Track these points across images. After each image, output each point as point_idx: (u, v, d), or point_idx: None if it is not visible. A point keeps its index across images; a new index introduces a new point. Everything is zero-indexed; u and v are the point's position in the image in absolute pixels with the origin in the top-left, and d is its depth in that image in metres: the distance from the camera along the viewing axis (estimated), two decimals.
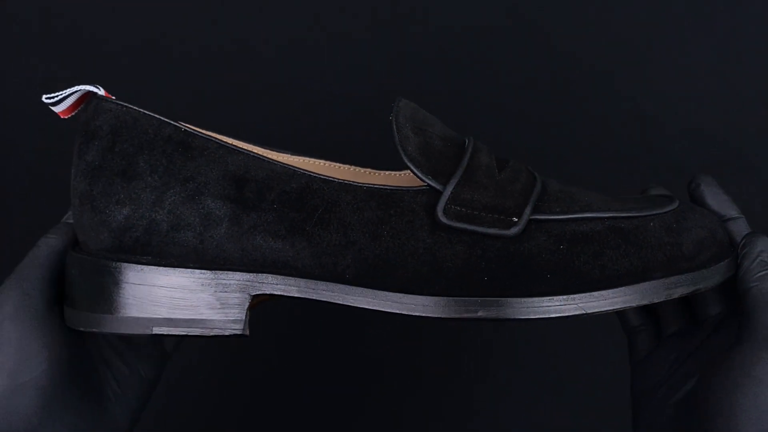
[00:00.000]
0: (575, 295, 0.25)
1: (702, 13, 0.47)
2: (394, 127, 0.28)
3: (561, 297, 0.25)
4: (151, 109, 0.28)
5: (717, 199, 0.28)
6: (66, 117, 0.29)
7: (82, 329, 0.27)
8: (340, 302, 0.27)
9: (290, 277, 0.27)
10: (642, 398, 0.29)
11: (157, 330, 0.26)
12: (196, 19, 0.48)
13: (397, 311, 0.26)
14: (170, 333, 0.26)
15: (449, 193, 0.27)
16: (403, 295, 0.26)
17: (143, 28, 0.48)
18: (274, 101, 0.48)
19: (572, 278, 0.26)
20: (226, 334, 0.27)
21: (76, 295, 0.27)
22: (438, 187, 0.27)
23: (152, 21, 0.48)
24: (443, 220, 0.26)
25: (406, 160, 0.27)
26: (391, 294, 0.26)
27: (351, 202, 0.27)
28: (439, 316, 0.26)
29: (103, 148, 0.27)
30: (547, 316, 0.26)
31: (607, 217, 0.27)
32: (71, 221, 0.30)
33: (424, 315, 0.26)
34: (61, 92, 0.29)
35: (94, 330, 0.27)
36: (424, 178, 0.27)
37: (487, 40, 0.48)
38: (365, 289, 0.26)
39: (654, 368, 0.29)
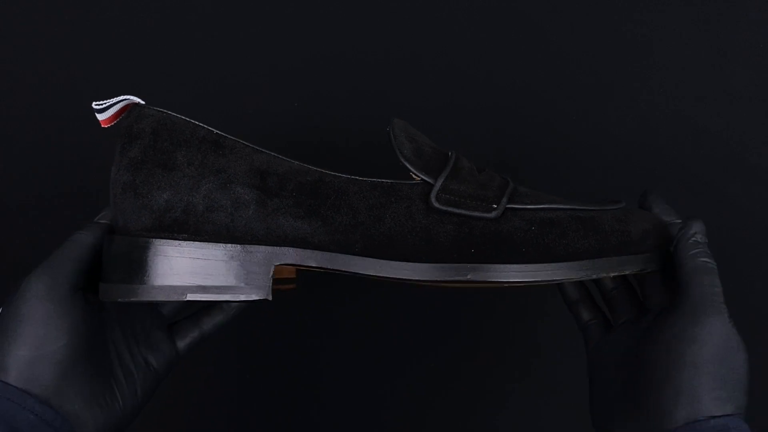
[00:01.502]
0: (545, 264, 0.31)
1: (702, 12, 0.47)
2: (392, 136, 0.33)
3: (534, 265, 0.31)
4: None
5: (661, 207, 0.34)
6: (106, 126, 0.33)
7: (119, 299, 0.31)
8: (351, 270, 0.31)
9: (308, 250, 0.31)
10: (597, 377, 0.33)
11: (190, 296, 0.30)
12: (199, 27, 0.48)
13: (400, 276, 0.31)
14: (202, 299, 0.31)
15: (440, 184, 0.32)
16: (405, 263, 0.31)
17: (145, 28, 0.48)
18: (272, 103, 0.48)
19: (542, 252, 0.31)
20: (252, 298, 0.31)
21: (113, 270, 0.31)
22: (430, 180, 0.32)
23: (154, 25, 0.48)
24: (436, 204, 0.31)
25: (402, 160, 0.33)
26: (394, 263, 0.31)
27: (357, 191, 0.32)
28: (435, 279, 0.31)
29: (144, 146, 0.32)
30: (523, 279, 0.31)
31: (569, 208, 0.33)
32: (103, 221, 0.33)
33: (422, 279, 0.31)
34: (108, 101, 0.32)
35: (130, 299, 0.30)
36: (418, 173, 0.32)
37: (486, 40, 0.48)
38: (372, 259, 0.31)
39: (607, 352, 0.33)
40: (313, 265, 0.32)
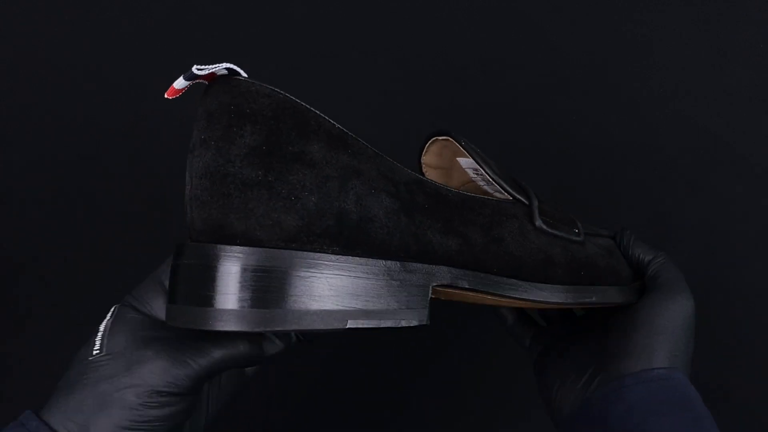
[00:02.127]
0: (622, 288, 0.33)
1: (702, 12, 0.48)
2: (471, 151, 0.32)
3: (624, 288, 0.33)
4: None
5: (638, 248, 0.37)
6: (171, 97, 0.28)
7: (247, 329, 0.24)
8: (499, 292, 0.29)
9: (459, 269, 0.28)
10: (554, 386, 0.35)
11: (351, 323, 0.25)
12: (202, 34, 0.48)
13: (540, 299, 0.30)
14: (363, 326, 0.25)
15: (536, 206, 0.31)
16: (545, 284, 0.30)
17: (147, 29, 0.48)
18: None
19: (615, 275, 0.33)
20: (413, 324, 0.27)
21: (247, 292, 0.24)
22: (525, 201, 0.31)
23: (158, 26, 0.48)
24: (543, 226, 0.31)
25: (492, 176, 0.31)
26: (539, 285, 0.30)
27: (472, 207, 0.30)
28: (567, 301, 0.31)
29: (266, 132, 0.25)
30: (621, 300, 0.33)
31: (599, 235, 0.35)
32: None
33: (557, 301, 0.31)
34: (210, 66, 0.26)
35: (276, 329, 0.24)
36: (514, 193, 0.31)
37: (486, 40, 0.48)
38: (518, 281, 0.30)
39: (550, 337, 0.37)
40: (465, 287, 0.28)
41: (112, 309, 0.29)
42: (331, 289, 0.25)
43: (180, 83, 0.26)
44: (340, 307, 0.25)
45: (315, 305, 0.24)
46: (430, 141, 0.33)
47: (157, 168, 0.48)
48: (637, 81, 0.48)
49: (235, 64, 0.27)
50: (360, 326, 0.25)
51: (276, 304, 0.24)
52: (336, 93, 0.48)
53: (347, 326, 0.25)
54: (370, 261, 0.26)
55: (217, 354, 0.28)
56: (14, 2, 0.48)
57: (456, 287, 0.28)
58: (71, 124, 0.48)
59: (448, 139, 0.33)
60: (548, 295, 0.30)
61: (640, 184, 0.47)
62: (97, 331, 0.28)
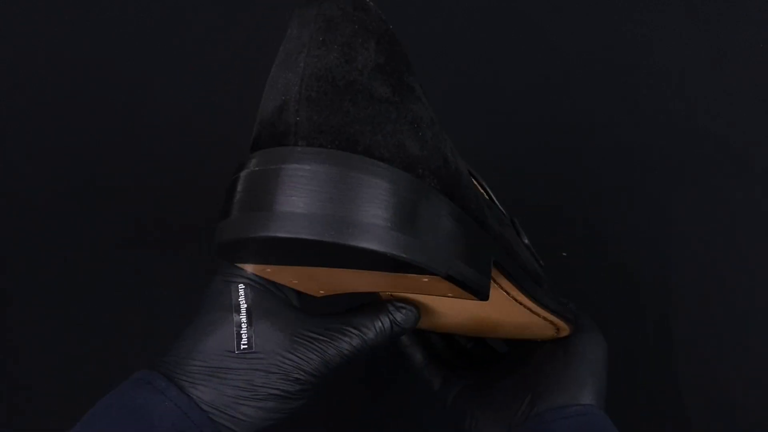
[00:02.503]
0: None
1: (702, 12, 0.47)
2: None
3: None
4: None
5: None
6: None
7: (402, 256, 0.22)
8: (533, 294, 0.30)
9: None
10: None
11: (452, 269, 0.24)
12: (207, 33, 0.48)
13: (548, 305, 0.31)
14: (457, 276, 0.24)
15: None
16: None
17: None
18: None
19: None
20: (477, 288, 0.25)
21: (390, 212, 0.22)
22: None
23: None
24: None
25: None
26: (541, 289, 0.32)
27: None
28: (555, 309, 0.32)
29: (388, 54, 0.24)
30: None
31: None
32: None
33: (552, 307, 0.32)
34: None
35: (415, 258, 0.22)
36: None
37: (486, 40, 0.48)
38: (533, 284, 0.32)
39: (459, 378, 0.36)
40: (510, 273, 0.28)
41: (240, 289, 0.28)
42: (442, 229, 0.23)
43: None
44: (444, 251, 0.23)
45: (432, 242, 0.23)
46: None
47: (158, 168, 0.48)
48: (637, 81, 0.48)
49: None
50: (455, 275, 0.23)
51: (410, 233, 0.22)
52: None
53: (449, 272, 0.23)
54: (463, 213, 0.25)
55: (343, 345, 0.28)
56: (14, 2, 0.48)
57: (504, 270, 0.27)
58: (71, 124, 0.48)
59: None
60: (549, 301, 0.31)
61: (640, 184, 0.47)
62: (240, 318, 0.27)
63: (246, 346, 0.27)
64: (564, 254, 0.46)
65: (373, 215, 0.21)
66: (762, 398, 0.45)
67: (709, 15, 0.47)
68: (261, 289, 0.28)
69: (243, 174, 0.23)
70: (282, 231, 0.21)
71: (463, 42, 0.48)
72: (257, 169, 0.22)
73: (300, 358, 0.27)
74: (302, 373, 0.27)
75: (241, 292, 0.27)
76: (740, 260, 0.46)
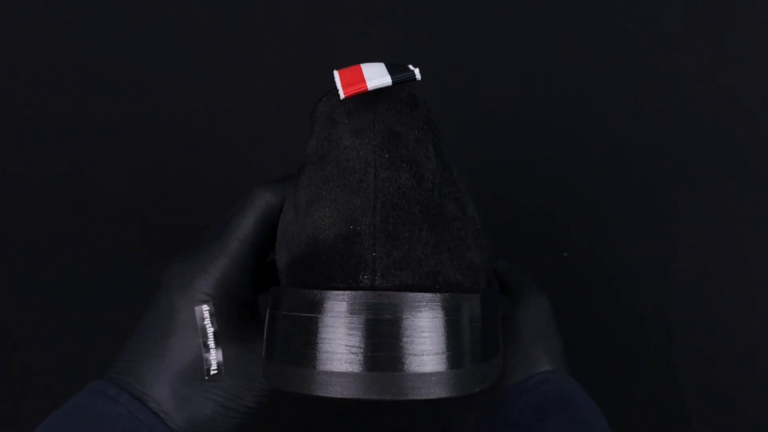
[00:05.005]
0: None
1: (702, 12, 0.47)
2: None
3: None
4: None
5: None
6: (348, 96, 0.22)
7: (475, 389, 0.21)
8: None
9: None
10: None
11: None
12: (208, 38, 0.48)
13: None
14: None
15: None
16: None
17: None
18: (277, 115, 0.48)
19: None
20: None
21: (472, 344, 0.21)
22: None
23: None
24: None
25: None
26: None
27: None
28: None
29: (444, 157, 0.23)
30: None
31: None
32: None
33: None
34: (412, 71, 0.22)
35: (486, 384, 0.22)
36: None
37: (486, 40, 0.48)
38: None
39: None
40: None
41: (205, 308, 0.26)
42: None
43: (378, 82, 0.21)
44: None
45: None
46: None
47: (158, 168, 0.48)
48: (636, 81, 0.48)
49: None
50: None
51: (488, 359, 0.22)
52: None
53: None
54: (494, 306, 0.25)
55: None
56: (14, 2, 0.48)
57: None
58: (71, 124, 0.48)
59: None
60: None
61: (640, 184, 0.47)
62: (208, 344, 0.26)
63: (216, 372, 0.26)
64: (565, 254, 0.46)
65: (473, 351, 0.21)
66: (762, 398, 0.45)
67: (709, 15, 0.47)
68: (223, 305, 0.26)
69: (334, 317, 0.20)
70: (428, 393, 0.20)
71: (464, 42, 0.48)
72: (368, 317, 0.20)
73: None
74: (269, 388, 0.27)
75: (206, 314, 0.26)
76: (740, 260, 0.46)
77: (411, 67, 0.22)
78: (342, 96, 0.21)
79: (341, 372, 0.19)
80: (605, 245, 0.47)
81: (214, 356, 0.26)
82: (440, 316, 0.20)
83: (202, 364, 0.26)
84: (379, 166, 0.21)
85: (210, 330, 0.26)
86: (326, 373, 0.20)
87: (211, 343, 0.26)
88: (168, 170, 0.47)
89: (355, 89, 0.21)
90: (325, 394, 0.20)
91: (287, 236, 0.22)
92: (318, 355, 0.20)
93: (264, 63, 0.48)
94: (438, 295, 0.20)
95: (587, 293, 0.46)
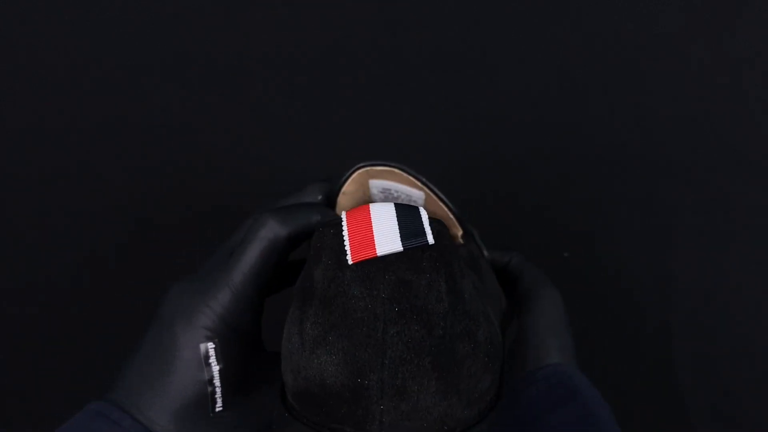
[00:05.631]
0: None
1: (702, 12, 0.47)
2: (422, 180, 0.30)
3: None
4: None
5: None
6: (355, 262, 0.22)
7: None
8: None
9: None
10: None
11: None
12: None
13: None
14: None
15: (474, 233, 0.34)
16: None
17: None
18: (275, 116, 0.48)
19: None
20: None
21: None
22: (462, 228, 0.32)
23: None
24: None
25: (442, 199, 0.30)
26: None
27: None
28: None
29: (456, 288, 0.22)
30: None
31: None
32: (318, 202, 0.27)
33: None
34: (424, 235, 0.22)
35: None
36: (461, 219, 0.31)
37: (486, 39, 0.48)
38: None
39: None
40: None
41: (210, 346, 0.26)
42: None
43: (389, 248, 0.21)
44: None
45: None
46: (356, 170, 0.30)
47: (158, 167, 0.48)
48: (637, 81, 0.48)
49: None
50: None
51: None
52: (334, 92, 0.48)
53: None
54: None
55: None
56: (14, 2, 0.48)
57: None
58: (70, 123, 0.48)
59: (365, 168, 0.30)
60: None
61: (641, 185, 0.47)
62: (214, 382, 0.26)
63: (221, 409, 0.26)
64: (565, 255, 0.46)
65: None
66: (762, 398, 0.45)
67: (710, 15, 0.47)
68: (226, 341, 0.26)
69: None
70: None
71: (464, 41, 0.48)
72: None
73: (272, 411, 0.26)
74: (273, 425, 0.26)
75: (211, 351, 0.25)
76: (740, 260, 0.46)
77: (423, 216, 0.22)
78: (350, 261, 0.21)
79: None
80: (605, 245, 0.47)
81: (220, 393, 0.26)
82: None
83: (207, 400, 0.25)
84: (388, 321, 0.20)
85: (215, 368, 0.25)
86: None
87: (217, 381, 0.25)
88: (169, 169, 0.47)
89: (363, 255, 0.21)
90: None
91: (293, 362, 0.22)
92: None
93: (264, 62, 0.48)
94: None
95: (587, 293, 0.46)
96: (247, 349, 0.27)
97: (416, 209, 0.22)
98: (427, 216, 0.22)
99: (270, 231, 0.26)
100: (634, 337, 0.46)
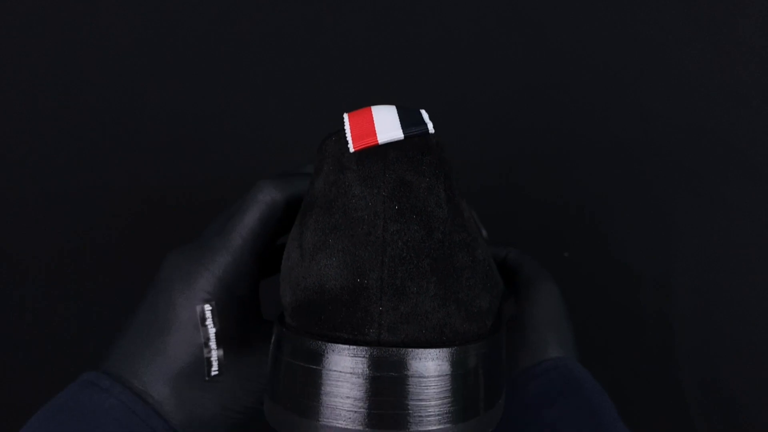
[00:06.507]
0: None
1: (703, 11, 0.47)
2: None
3: None
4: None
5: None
6: (357, 150, 0.22)
7: None
8: None
9: None
10: None
11: None
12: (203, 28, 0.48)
13: None
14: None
15: None
16: None
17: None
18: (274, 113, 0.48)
19: None
20: None
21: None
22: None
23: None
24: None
25: None
26: None
27: None
28: None
29: (452, 200, 0.23)
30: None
31: None
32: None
33: None
34: (425, 124, 0.22)
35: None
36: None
37: (486, 39, 0.48)
38: None
39: None
40: None
41: (207, 308, 0.26)
42: None
43: (390, 135, 0.21)
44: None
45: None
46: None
47: (157, 167, 0.48)
48: (637, 80, 0.48)
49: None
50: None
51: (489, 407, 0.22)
52: (335, 92, 0.48)
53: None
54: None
55: None
56: (14, 2, 0.48)
57: None
58: (70, 123, 0.48)
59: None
60: None
61: (640, 184, 0.47)
62: (210, 344, 0.25)
63: (217, 373, 0.26)
64: (565, 254, 0.46)
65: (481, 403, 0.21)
66: (762, 398, 0.45)
67: (709, 15, 0.47)
68: (224, 304, 0.26)
69: (338, 372, 0.20)
70: None
71: (464, 41, 0.48)
72: (373, 374, 0.20)
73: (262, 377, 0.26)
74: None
75: (208, 313, 0.25)
76: (740, 260, 0.46)
77: (424, 113, 0.22)
78: (351, 150, 0.21)
79: (345, 428, 0.19)
80: (605, 245, 0.47)
81: (216, 356, 0.25)
82: (446, 372, 0.20)
83: (203, 363, 0.25)
84: (389, 219, 0.20)
85: (212, 330, 0.25)
86: (330, 427, 0.20)
87: (213, 344, 0.25)
88: (169, 169, 0.47)
89: (365, 143, 0.21)
90: None
91: (292, 277, 0.22)
92: (321, 409, 0.20)
93: (264, 59, 0.48)
94: (444, 350, 0.20)
95: (587, 293, 0.46)
96: (245, 314, 0.27)
97: (416, 109, 0.22)
98: (427, 114, 0.22)
99: (268, 195, 0.26)
100: (635, 336, 0.46)
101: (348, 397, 0.20)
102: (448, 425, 0.20)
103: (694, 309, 0.46)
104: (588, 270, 0.46)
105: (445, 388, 0.20)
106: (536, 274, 0.33)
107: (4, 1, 0.48)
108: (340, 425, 0.19)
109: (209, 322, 0.25)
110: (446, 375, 0.20)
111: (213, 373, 0.25)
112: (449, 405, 0.20)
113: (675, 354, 0.46)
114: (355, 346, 0.20)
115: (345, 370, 0.20)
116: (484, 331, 0.22)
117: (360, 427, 0.19)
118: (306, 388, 0.20)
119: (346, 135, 0.21)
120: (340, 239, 0.21)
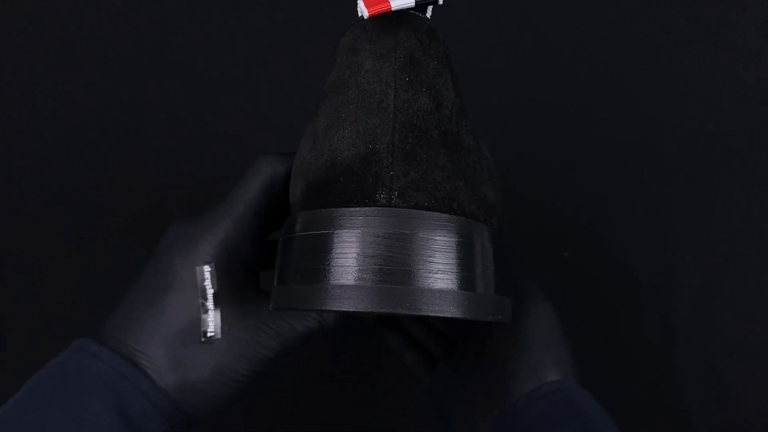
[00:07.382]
0: None
1: (702, 11, 0.48)
2: None
3: None
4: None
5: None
6: (372, 15, 0.22)
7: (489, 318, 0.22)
8: None
9: None
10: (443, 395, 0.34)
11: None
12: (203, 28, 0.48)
13: None
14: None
15: None
16: None
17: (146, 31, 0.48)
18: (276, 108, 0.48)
19: None
20: None
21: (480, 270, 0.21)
22: None
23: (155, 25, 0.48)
24: None
25: None
26: None
27: None
28: None
29: (457, 91, 0.24)
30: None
31: None
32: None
33: None
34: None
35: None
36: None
37: (486, 39, 0.48)
38: None
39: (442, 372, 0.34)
40: None
41: (206, 269, 0.26)
42: None
43: (401, 2, 0.21)
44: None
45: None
46: None
47: (157, 167, 0.48)
48: (636, 81, 0.48)
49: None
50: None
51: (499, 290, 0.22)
52: None
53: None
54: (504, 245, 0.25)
55: (302, 329, 0.27)
56: (14, 2, 0.48)
57: None
58: (70, 123, 0.48)
59: None
60: None
61: (641, 184, 0.47)
62: (207, 305, 0.25)
63: (213, 334, 0.26)
64: (565, 254, 0.46)
65: (487, 283, 0.21)
66: (762, 398, 0.45)
67: (709, 15, 0.47)
68: (225, 269, 0.26)
69: (349, 231, 0.20)
70: (441, 311, 0.20)
71: (464, 41, 0.48)
72: (383, 231, 0.20)
73: (264, 345, 0.26)
74: (265, 359, 0.27)
75: (207, 274, 0.26)
76: (740, 260, 0.46)
77: None
78: (366, 15, 0.21)
79: (354, 285, 0.20)
80: (605, 245, 0.47)
81: (212, 318, 0.26)
82: (454, 237, 0.20)
83: (200, 325, 0.25)
84: (400, 88, 0.21)
85: (210, 291, 0.26)
86: (339, 286, 0.20)
87: (210, 305, 0.25)
88: (168, 169, 0.47)
89: (378, 8, 0.21)
90: (337, 308, 0.20)
91: (303, 166, 0.22)
92: (331, 269, 0.20)
93: (264, 59, 0.48)
94: (453, 217, 0.20)
95: (587, 293, 0.46)
96: (244, 280, 0.27)
97: None
98: None
99: (270, 166, 0.27)
100: (635, 336, 0.46)
101: (358, 255, 0.20)
102: (452, 287, 0.20)
103: (694, 309, 0.46)
104: (588, 270, 0.46)
105: (451, 254, 0.20)
106: (530, 293, 0.33)
107: (4, 1, 0.48)
108: (349, 283, 0.20)
109: (207, 282, 0.26)
110: (453, 241, 0.20)
111: (209, 335, 0.26)
112: (455, 270, 0.20)
113: (675, 354, 0.46)
114: (367, 208, 0.20)
115: (355, 230, 0.20)
116: (490, 220, 0.23)
117: (369, 284, 0.19)
118: (317, 254, 0.20)
119: (360, 8, 0.21)
120: (352, 111, 0.21)
